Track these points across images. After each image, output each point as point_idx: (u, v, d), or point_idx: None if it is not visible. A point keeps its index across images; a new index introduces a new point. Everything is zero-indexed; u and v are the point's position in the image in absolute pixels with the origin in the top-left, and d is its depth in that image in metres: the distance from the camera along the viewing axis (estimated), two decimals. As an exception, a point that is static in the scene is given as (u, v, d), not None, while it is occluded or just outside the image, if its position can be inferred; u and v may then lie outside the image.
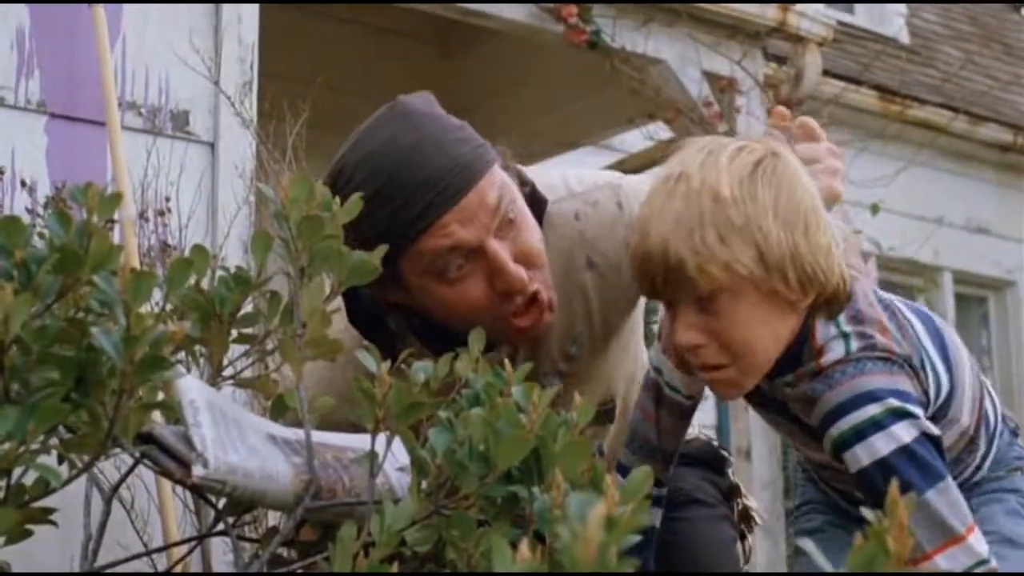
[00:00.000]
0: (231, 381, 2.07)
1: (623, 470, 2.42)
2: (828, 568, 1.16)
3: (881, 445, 2.05)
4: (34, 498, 1.75)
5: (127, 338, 1.60)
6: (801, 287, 2.07)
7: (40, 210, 4.53)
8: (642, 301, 2.63)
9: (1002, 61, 11.86)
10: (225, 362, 2.01)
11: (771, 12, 7.32)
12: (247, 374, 2.10)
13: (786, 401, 2.22)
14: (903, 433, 2.05)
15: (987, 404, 2.36)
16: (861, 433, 2.06)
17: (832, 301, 2.12)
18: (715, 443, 2.92)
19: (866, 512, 1.14)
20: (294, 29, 7.01)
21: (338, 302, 2.31)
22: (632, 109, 7.12)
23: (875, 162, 8.67)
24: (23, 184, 4.72)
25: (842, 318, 2.14)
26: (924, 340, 2.22)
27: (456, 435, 1.75)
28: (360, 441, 1.93)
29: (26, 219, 2.12)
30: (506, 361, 1.91)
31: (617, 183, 2.57)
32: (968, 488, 2.32)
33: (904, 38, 11.00)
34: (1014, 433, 2.44)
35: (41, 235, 1.74)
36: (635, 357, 2.73)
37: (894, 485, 1.12)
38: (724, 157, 2.08)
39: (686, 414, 2.44)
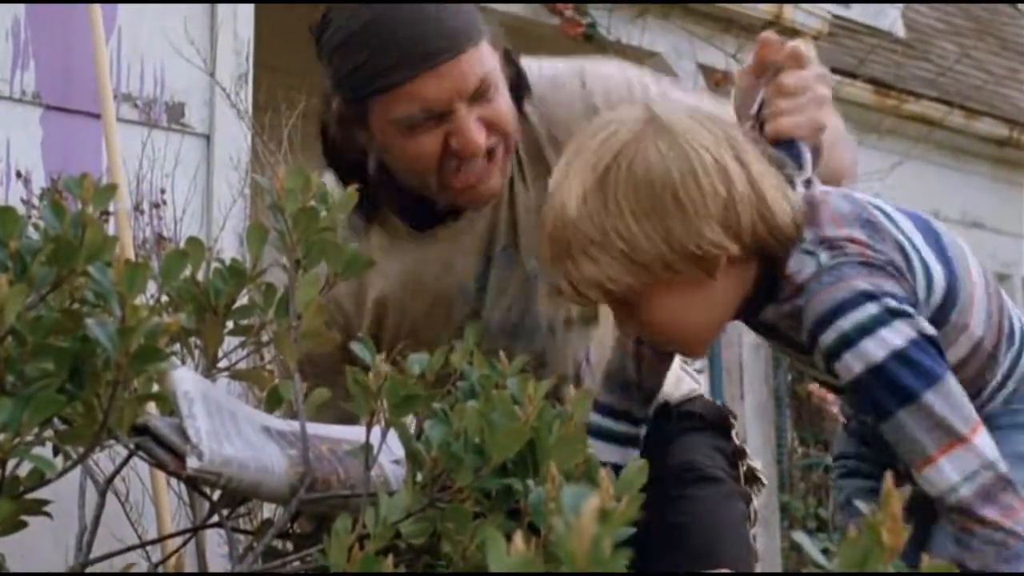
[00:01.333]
0: (226, 373, 2.07)
1: (601, 409, 2.37)
2: (821, 560, 1.16)
3: (872, 350, 1.99)
4: (28, 489, 1.75)
5: (122, 330, 1.60)
6: (698, 262, 2.01)
7: (35, 201, 4.54)
8: None
9: (998, 55, 11.87)
10: (220, 354, 2.01)
11: (766, 5, 7.33)
12: (242, 366, 2.10)
13: (778, 325, 2.17)
14: (894, 336, 1.98)
15: (1008, 316, 2.26)
16: (849, 339, 1.99)
17: (774, 238, 2.04)
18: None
19: (861, 505, 1.14)
20: (289, 21, 7.01)
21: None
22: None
23: (870, 156, 8.68)
24: (18, 175, 4.72)
25: (807, 242, 2.07)
26: (911, 234, 2.13)
27: (451, 427, 1.75)
28: (355, 433, 1.93)
29: (21, 210, 2.12)
30: (501, 354, 1.91)
31: (583, 66, 2.57)
32: (990, 415, 2.22)
33: (900, 32, 11.01)
34: None
35: (36, 226, 1.74)
36: None
37: (888, 477, 1.12)
38: (579, 162, 2.04)
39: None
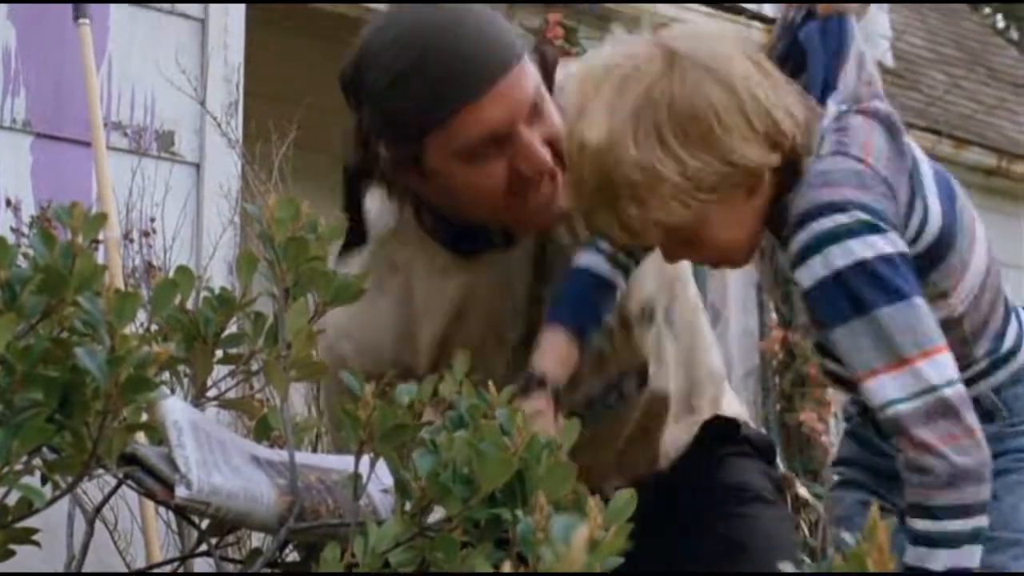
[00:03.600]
0: (215, 402, 2.07)
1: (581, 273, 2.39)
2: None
3: (837, 256, 1.98)
4: (17, 518, 1.75)
5: (111, 359, 1.60)
6: (750, 177, 2.04)
7: (25, 229, 4.53)
8: None
9: (987, 85, 11.90)
10: (209, 383, 2.01)
11: (756, 36, 7.34)
12: (231, 395, 2.10)
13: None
14: (863, 248, 1.98)
15: (1008, 320, 2.28)
16: (819, 242, 2.00)
17: (803, 139, 2.06)
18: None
19: (847, 536, 1.14)
20: (280, 49, 7.02)
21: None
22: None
23: (860, 185, 8.67)
24: (8, 203, 4.72)
25: (830, 126, 2.10)
26: (924, 173, 2.14)
27: (440, 457, 1.75)
28: (344, 463, 1.93)
29: (10, 239, 2.12)
30: (490, 384, 1.90)
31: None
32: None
33: (889, 61, 11.03)
34: None
35: (25, 255, 1.74)
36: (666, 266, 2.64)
37: (874, 508, 1.12)
38: (603, 105, 2.02)
39: None
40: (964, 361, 2.17)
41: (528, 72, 2.31)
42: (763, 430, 2.88)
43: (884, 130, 2.12)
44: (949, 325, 2.14)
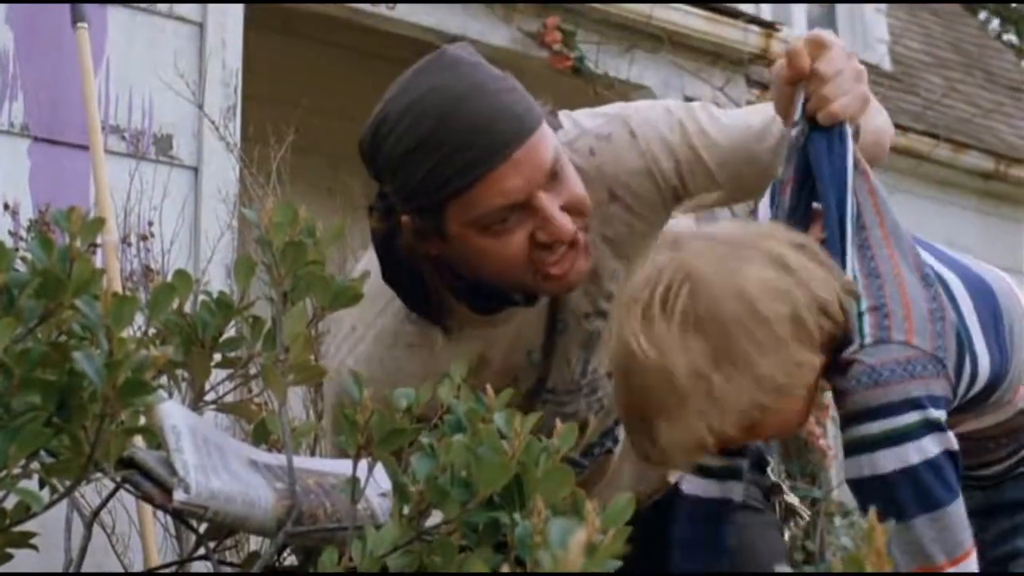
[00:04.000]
0: (213, 406, 2.07)
1: None
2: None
3: (883, 461, 1.98)
4: (15, 522, 1.75)
5: (109, 363, 1.60)
6: (789, 393, 1.99)
7: (23, 233, 4.53)
8: None
9: (984, 89, 11.90)
10: (207, 386, 2.01)
11: (754, 39, 7.35)
12: (229, 399, 2.10)
13: None
14: (912, 453, 1.98)
15: None
16: (870, 444, 1.99)
17: (838, 327, 2.01)
18: None
19: (845, 540, 1.14)
20: (278, 53, 7.02)
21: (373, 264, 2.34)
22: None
23: (857, 189, 8.66)
24: (6, 207, 4.72)
25: (863, 296, 2.04)
26: (969, 320, 2.12)
27: (438, 461, 1.75)
28: (342, 467, 1.93)
29: (8, 243, 2.12)
30: (488, 387, 1.90)
31: (626, 113, 2.51)
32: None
33: (887, 65, 11.04)
34: None
35: (24, 259, 1.74)
36: None
37: (872, 511, 1.12)
38: (636, 326, 1.97)
39: None
40: None
41: (546, 138, 2.29)
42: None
43: (920, 285, 2.09)
44: (1017, 415, 2.22)
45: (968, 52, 12.59)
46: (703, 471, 2.33)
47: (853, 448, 2.01)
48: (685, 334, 1.94)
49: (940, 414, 2.00)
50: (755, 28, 7.44)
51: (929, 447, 1.98)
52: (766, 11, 9.32)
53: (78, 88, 4.66)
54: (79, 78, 4.64)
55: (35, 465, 1.71)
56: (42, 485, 1.78)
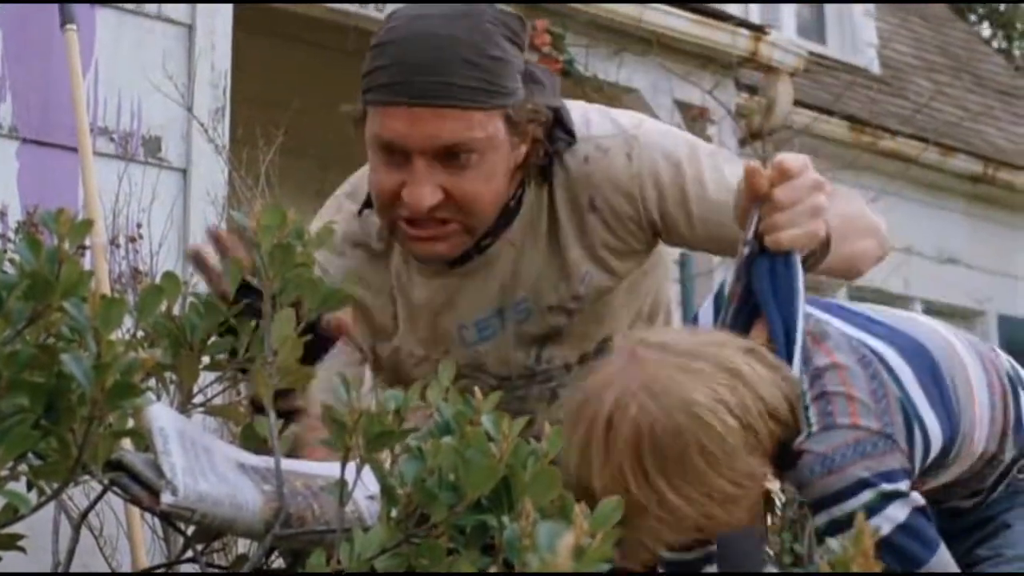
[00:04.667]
0: (201, 408, 2.07)
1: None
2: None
3: (880, 527, 2.00)
4: (3, 524, 1.75)
5: (98, 365, 1.60)
6: (739, 506, 2.00)
7: (11, 235, 4.53)
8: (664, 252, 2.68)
9: (973, 92, 11.93)
10: (195, 389, 2.01)
11: (743, 42, 7.36)
12: (218, 401, 2.10)
13: None
14: (883, 522, 2.00)
15: (1013, 408, 2.29)
16: (840, 525, 2.01)
17: (787, 431, 2.02)
18: None
19: (832, 542, 1.14)
20: (267, 55, 7.02)
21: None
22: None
23: (846, 192, 8.66)
24: (-6, 209, 4.71)
25: (807, 392, 2.07)
26: (911, 390, 2.15)
27: (425, 463, 1.75)
28: (330, 469, 1.93)
29: (-3, 245, 2.12)
30: (476, 390, 1.90)
31: (634, 134, 2.52)
32: (996, 497, 2.31)
33: (875, 69, 11.06)
34: None
35: (12, 261, 1.74)
36: (648, 292, 2.69)
37: (860, 516, 1.12)
38: (586, 447, 1.96)
39: None
40: (997, 466, 2.29)
41: (467, 120, 2.32)
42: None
43: (859, 368, 2.11)
44: (977, 462, 2.25)
45: (957, 56, 12.61)
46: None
47: (826, 531, 2.03)
48: (638, 445, 1.94)
49: (897, 486, 2.02)
50: (744, 31, 7.45)
51: (896, 514, 2.02)
52: (754, 12, 9.33)
53: (67, 90, 4.66)
54: (68, 80, 4.64)
55: (23, 467, 1.70)
56: (29, 487, 1.78)
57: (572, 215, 2.50)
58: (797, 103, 8.29)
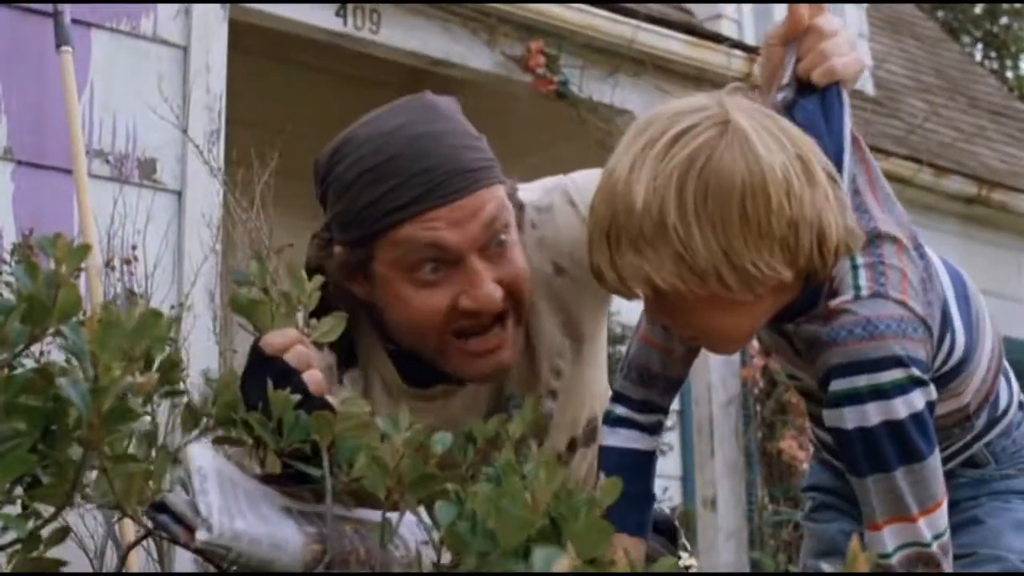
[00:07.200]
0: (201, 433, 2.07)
1: (625, 400, 2.28)
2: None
3: (871, 413, 1.96)
4: (47, 547, 1.75)
5: (94, 389, 1.60)
6: (750, 281, 1.94)
7: (6, 256, 4.53)
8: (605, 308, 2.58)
9: (967, 113, 11.94)
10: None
11: (737, 63, 7.38)
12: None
13: (792, 335, 2.13)
14: (901, 406, 1.96)
15: (1000, 384, 2.28)
16: (858, 395, 1.96)
17: (824, 263, 1.98)
18: (668, 511, 2.87)
19: (825, 566, 1.14)
20: (262, 78, 7.03)
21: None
22: (602, 159, 7.16)
23: (840, 213, 8.66)
24: (-11, 231, 4.72)
25: (859, 253, 2.03)
26: (949, 297, 2.14)
27: (463, 509, 1.72)
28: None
29: (-7, 267, 2.12)
30: (532, 444, 1.87)
31: (564, 182, 2.48)
32: (961, 481, 2.28)
33: (869, 90, 11.07)
34: None
35: (8, 284, 1.74)
36: (604, 374, 2.63)
37: (855, 539, 1.12)
38: (649, 154, 1.95)
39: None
40: (965, 432, 2.26)
41: (496, 199, 2.27)
42: (744, 457, 2.87)
43: (915, 255, 2.10)
44: (957, 411, 2.22)
45: (951, 77, 12.63)
46: (630, 424, 2.28)
47: (838, 400, 1.99)
48: (687, 175, 1.92)
49: (924, 375, 1.99)
50: (738, 53, 7.47)
51: (916, 401, 1.97)
52: (749, 33, 9.33)
53: (62, 111, 4.67)
54: (63, 101, 4.65)
55: (18, 491, 1.71)
56: (25, 509, 1.78)
57: (539, 289, 2.42)
58: (791, 124, 8.30)
